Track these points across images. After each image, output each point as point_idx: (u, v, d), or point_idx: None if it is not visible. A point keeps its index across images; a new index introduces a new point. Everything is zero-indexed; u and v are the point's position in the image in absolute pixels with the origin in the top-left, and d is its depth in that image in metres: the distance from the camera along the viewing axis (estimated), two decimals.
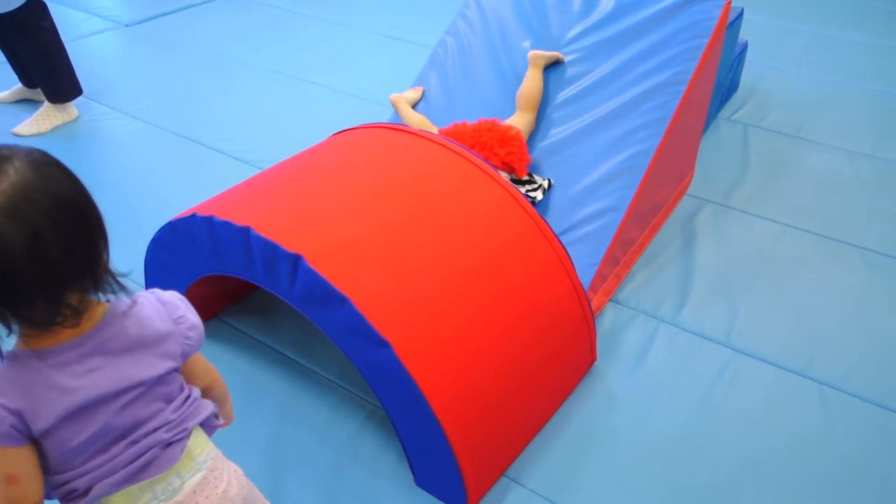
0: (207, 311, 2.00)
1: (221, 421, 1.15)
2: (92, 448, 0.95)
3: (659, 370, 1.91)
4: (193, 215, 1.63)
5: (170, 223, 1.72)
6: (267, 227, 1.51)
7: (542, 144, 2.28)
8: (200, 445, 1.05)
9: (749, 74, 3.46)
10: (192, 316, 1.04)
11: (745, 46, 3.23)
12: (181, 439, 1.02)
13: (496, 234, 1.69)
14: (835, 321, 2.07)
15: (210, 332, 1.96)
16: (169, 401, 1.02)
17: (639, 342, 1.99)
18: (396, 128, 1.92)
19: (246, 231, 1.52)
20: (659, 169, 2.18)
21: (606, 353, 1.94)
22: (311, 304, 1.50)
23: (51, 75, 2.92)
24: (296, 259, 1.46)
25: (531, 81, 2.31)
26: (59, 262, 0.85)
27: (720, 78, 2.87)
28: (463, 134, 2.12)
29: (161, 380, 1.00)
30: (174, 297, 1.05)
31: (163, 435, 1.00)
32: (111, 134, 2.97)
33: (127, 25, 3.98)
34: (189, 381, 1.08)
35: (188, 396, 1.06)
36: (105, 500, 0.97)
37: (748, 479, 1.64)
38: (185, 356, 1.03)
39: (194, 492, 1.03)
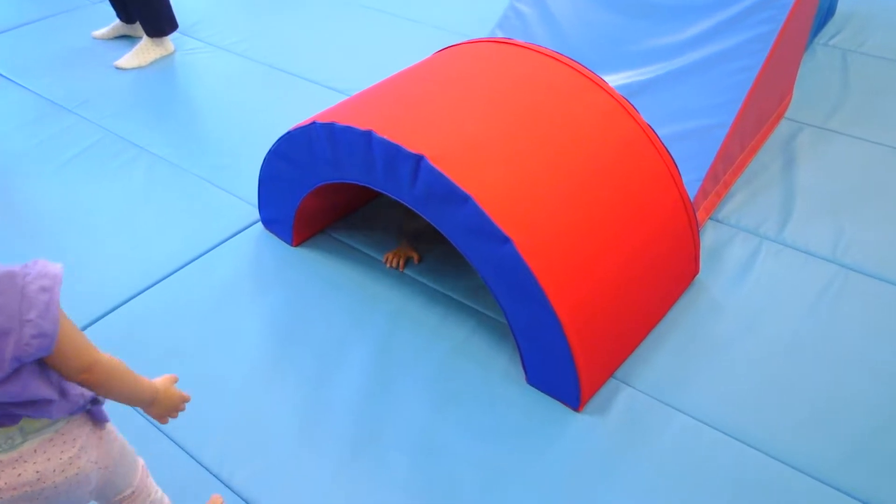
0: (316, 225, 2.08)
1: (84, 402, 1.03)
2: None
3: (764, 283, 1.91)
4: (313, 123, 1.69)
5: (288, 133, 1.78)
6: (389, 130, 1.55)
7: (648, 55, 2.25)
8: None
9: (844, 1, 3.33)
10: (45, 322, 0.90)
11: None
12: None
13: (606, 140, 1.70)
14: None
15: (319, 246, 2.06)
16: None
17: (742, 257, 1.99)
18: (502, 41, 1.93)
19: (368, 134, 1.57)
20: (763, 85, 2.14)
21: (709, 267, 1.95)
22: (432, 204, 1.55)
23: (150, 10, 3.01)
24: (418, 159, 1.51)
25: None
26: None
27: (819, 2, 2.78)
28: None
29: None
30: (40, 293, 0.91)
31: None
32: (206, 66, 3.05)
33: None
34: (59, 371, 0.97)
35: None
36: None
37: (863, 385, 1.64)
38: (19, 361, 0.89)
39: (35, 451, 0.99)
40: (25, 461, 0.98)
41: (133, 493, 1.20)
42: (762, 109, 2.31)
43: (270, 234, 2.11)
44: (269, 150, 1.89)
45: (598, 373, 1.60)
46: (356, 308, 1.87)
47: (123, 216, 2.20)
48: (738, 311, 1.83)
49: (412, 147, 1.51)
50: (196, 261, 2.02)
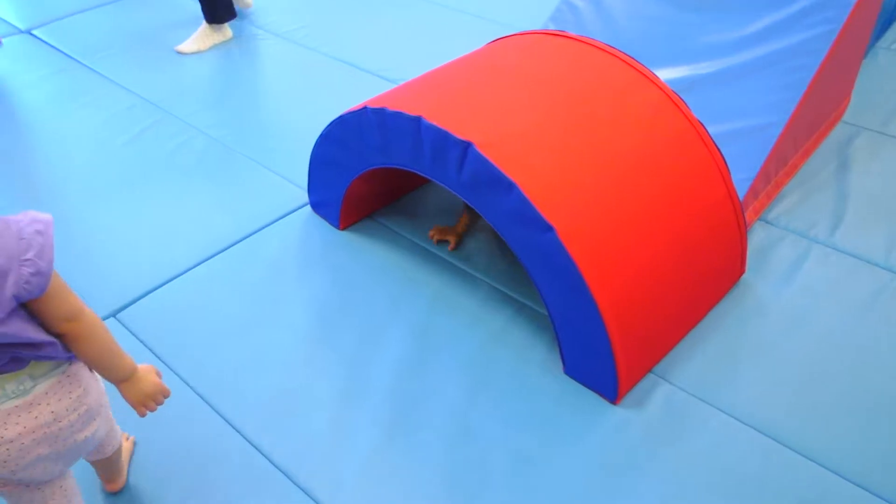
0: (363, 209, 2.11)
1: (64, 358, 1.06)
2: None
3: (811, 286, 1.88)
4: (365, 108, 1.72)
5: (340, 117, 1.82)
6: (438, 117, 1.57)
7: (703, 51, 2.23)
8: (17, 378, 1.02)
9: None
10: (42, 262, 0.95)
11: None
12: None
13: (654, 134, 1.69)
14: None
15: (365, 230, 2.10)
16: None
17: (790, 259, 1.96)
18: (554, 33, 1.93)
19: (417, 120, 1.60)
20: (820, 86, 2.10)
21: (756, 268, 1.92)
22: (477, 190, 1.56)
23: None
24: (466, 146, 1.52)
25: None
26: None
27: (883, 3, 2.71)
28: None
29: None
30: (36, 236, 0.96)
31: None
32: (262, 53, 3.12)
33: None
34: (44, 321, 1.00)
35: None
36: None
37: None
38: (18, 299, 0.94)
39: (46, 393, 1.04)
40: (39, 403, 1.04)
41: (119, 446, 1.31)
42: (818, 111, 2.26)
43: (318, 218, 2.15)
44: (321, 134, 1.93)
45: (637, 366, 1.60)
46: (398, 291, 1.89)
47: (177, 194, 2.27)
48: (784, 313, 1.80)
49: (460, 133, 1.53)
50: (245, 240, 2.08)
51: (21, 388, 1.02)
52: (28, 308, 0.98)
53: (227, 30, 3.22)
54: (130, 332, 1.80)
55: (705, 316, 1.78)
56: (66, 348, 1.04)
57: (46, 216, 0.99)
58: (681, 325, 1.70)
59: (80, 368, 1.10)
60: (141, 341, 1.77)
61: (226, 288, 1.93)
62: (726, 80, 2.16)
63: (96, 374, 1.15)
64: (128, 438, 1.51)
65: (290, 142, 2.49)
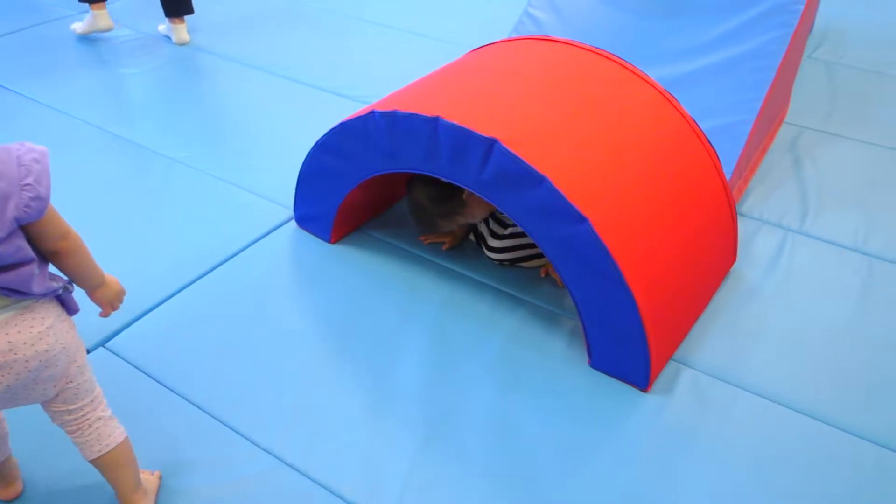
0: (356, 221, 2.07)
1: (58, 286, 1.12)
2: None
3: (795, 270, 1.98)
4: (372, 112, 1.69)
5: (341, 124, 1.78)
6: (457, 116, 1.57)
7: (668, 56, 2.33)
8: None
9: (820, 17, 3.51)
10: (41, 187, 1.01)
11: None
12: None
13: (658, 129, 1.75)
14: None
15: (356, 242, 2.05)
16: None
17: (771, 247, 2.07)
18: (541, 38, 1.98)
19: (434, 121, 1.59)
20: (778, 86, 2.24)
21: (742, 257, 2.01)
22: (502, 187, 1.56)
23: None
24: (491, 143, 1.52)
25: None
26: None
27: None
28: None
29: None
30: (34, 163, 1.01)
31: None
32: (203, 72, 3.02)
33: None
34: (37, 241, 1.07)
35: None
36: None
37: None
38: (18, 222, 1.00)
39: (6, 323, 1.06)
40: None
41: (92, 401, 1.24)
42: (773, 111, 2.41)
43: (304, 233, 2.08)
44: (316, 144, 1.88)
45: (664, 353, 1.63)
46: (404, 301, 1.86)
47: (149, 218, 2.14)
48: (777, 296, 1.90)
49: (484, 131, 1.53)
50: (231, 260, 1.99)
51: None
52: (25, 230, 1.03)
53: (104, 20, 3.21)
54: (125, 360, 1.68)
55: (708, 303, 1.85)
56: (43, 286, 1.08)
57: (41, 147, 1.04)
58: (694, 311, 1.76)
59: (48, 308, 1.11)
60: (139, 369, 1.66)
61: (221, 308, 1.83)
62: (693, 82, 2.27)
63: (72, 328, 1.16)
64: (153, 473, 1.40)
65: (257, 159, 2.42)
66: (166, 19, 3.22)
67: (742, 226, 2.15)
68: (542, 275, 1.90)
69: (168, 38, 3.28)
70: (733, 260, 1.95)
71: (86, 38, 3.27)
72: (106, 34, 3.29)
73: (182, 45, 3.22)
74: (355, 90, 2.86)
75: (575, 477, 1.44)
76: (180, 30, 3.21)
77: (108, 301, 1.24)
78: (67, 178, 2.31)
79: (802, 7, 2.23)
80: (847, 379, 1.67)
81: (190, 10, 3.20)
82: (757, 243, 2.09)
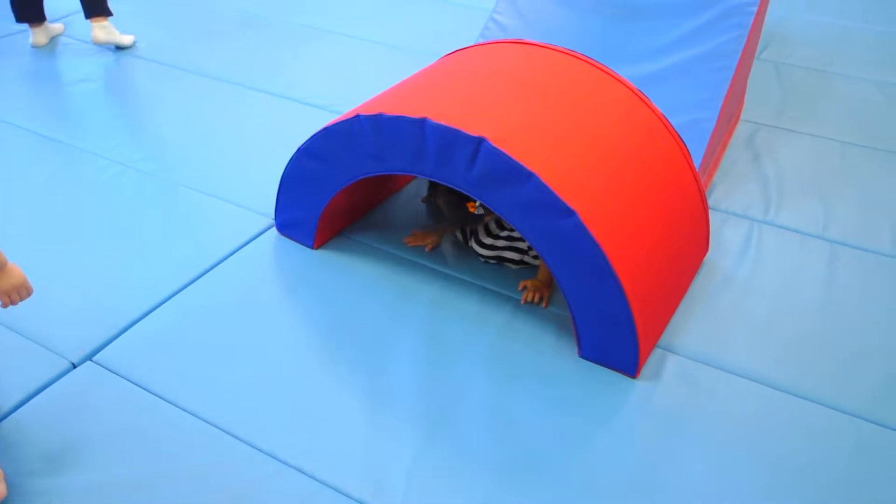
0: (338, 225, 2.09)
1: None
2: None
3: (764, 258, 2.07)
4: (357, 116, 1.71)
5: (325, 129, 1.80)
6: (444, 117, 1.60)
7: (631, 58, 2.41)
8: None
9: (766, 20, 3.67)
10: None
11: None
12: None
13: (632, 126, 1.82)
14: None
15: (339, 247, 2.07)
16: None
17: (739, 237, 2.16)
18: (515, 41, 2.03)
19: (421, 122, 1.62)
20: (736, 83, 2.34)
21: (713, 247, 2.09)
22: (490, 185, 1.60)
23: None
24: (478, 142, 1.56)
25: None
26: None
27: None
28: None
29: None
30: None
31: None
32: (151, 80, 2.99)
33: None
34: None
35: None
36: None
37: (877, 337, 1.81)
38: None
39: None
40: None
41: None
42: (732, 108, 2.51)
43: (285, 239, 2.09)
44: (298, 149, 1.89)
45: (651, 340, 1.69)
46: (392, 302, 1.88)
47: (125, 231, 2.12)
48: (750, 282, 1.98)
49: (471, 131, 1.57)
50: (214, 269, 1.98)
51: None
52: None
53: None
54: (114, 373, 1.65)
55: (687, 291, 1.92)
56: None
57: None
58: (674, 299, 1.83)
59: None
60: (129, 381, 1.64)
61: (208, 317, 1.82)
62: (656, 82, 2.35)
63: None
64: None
65: (226, 168, 2.42)
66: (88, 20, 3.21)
67: (711, 218, 2.23)
68: (523, 302, 1.87)
69: (117, 47, 3.25)
70: (706, 250, 2.03)
71: (36, 52, 3.22)
72: (46, 47, 3.27)
73: (99, 44, 3.23)
74: (321, 99, 2.87)
75: (574, 463, 1.48)
76: (97, 27, 3.20)
77: (7, 290, 1.21)
78: (32, 200, 2.27)
79: (756, 8, 2.33)
80: (822, 356, 1.75)
81: (107, 12, 3.20)
82: (726, 234, 2.17)
